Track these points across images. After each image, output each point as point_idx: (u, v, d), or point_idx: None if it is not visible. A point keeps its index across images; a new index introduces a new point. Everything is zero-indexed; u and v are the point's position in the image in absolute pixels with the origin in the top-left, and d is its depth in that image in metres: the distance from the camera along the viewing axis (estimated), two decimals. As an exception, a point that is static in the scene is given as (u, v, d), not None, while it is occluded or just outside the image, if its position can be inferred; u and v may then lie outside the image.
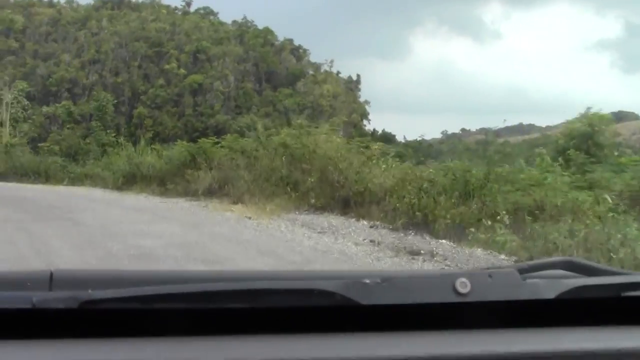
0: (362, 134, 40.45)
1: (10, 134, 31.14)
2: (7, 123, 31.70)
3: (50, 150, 31.35)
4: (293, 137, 13.23)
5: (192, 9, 64.09)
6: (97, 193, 16.77)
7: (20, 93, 35.10)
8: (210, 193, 13.91)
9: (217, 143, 15.57)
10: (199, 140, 16.61)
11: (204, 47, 55.56)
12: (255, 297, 0.91)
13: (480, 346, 0.91)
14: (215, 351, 0.87)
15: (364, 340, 0.91)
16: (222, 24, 62.29)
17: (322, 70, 60.64)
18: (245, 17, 62.20)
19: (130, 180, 17.11)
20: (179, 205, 13.01)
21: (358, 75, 59.44)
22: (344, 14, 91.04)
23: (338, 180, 11.87)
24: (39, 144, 33.51)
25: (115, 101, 44.08)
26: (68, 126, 40.63)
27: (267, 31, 60.82)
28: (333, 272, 1.43)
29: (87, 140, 33.32)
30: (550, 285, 0.98)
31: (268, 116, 51.48)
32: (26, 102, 36.14)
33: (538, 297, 0.97)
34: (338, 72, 61.11)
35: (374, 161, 12.38)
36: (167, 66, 53.16)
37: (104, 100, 40.87)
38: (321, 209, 11.61)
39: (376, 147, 12.84)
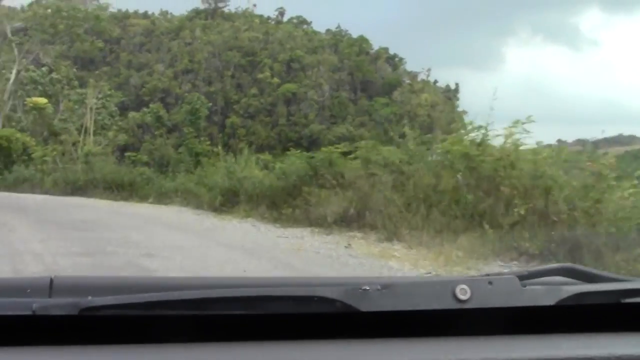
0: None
1: (94, 142, 27.66)
2: (91, 130, 28.46)
3: (138, 160, 28.48)
4: (472, 145, 8.82)
5: (285, 18, 62.29)
6: (189, 217, 13.01)
7: (108, 99, 31.94)
8: (344, 222, 9.83)
9: (348, 153, 11.28)
10: (290, 148, 13.76)
11: (298, 56, 53.06)
12: (255, 304, 0.91)
13: (480, 353, 0.91)
14: (216, 358, 0.87)
15: (364, 347, 0.91)
16: (315, 33, 59.99)
17: (418, 79, 57.01)
18: (339, 26, 59.55)
19: (230, 200, 13.18)
20: (307, 243, 8.82)
21: (457, 84, 56.51)
22: (434, 24, 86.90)
23: (561, 211, 7.44)
24: (126, 153, 30.46)
25: (210, 106, 41.68)
26: (158, 132, 37.32)
27: (362, 40, 58.00)
28: (333, 279, 1.35)
29: (180, 150, 30.54)
30: (550, 292, 0.98)
31: (363, 126, 48.46)
32: (114, 108, 32.81)
33: (538, 303, 0.96)
34: (435, 81, 57.30)
35: (608, 182, 7.82)
36: (260, 75, 51.27)
37: (197, 103, 38.19)
38: (538, 256, 7.17)
39: (610, 160, 8.19)
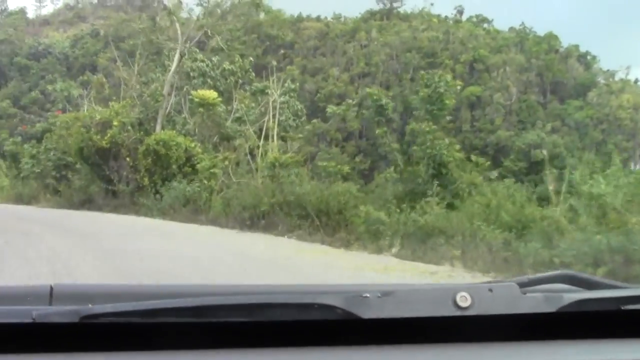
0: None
1: (279, 150, 18.80)
2: (275, 132, 19.57)
3: (338, 171, 19.09)
4: None
5: (464, 17, 57.82)
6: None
7: (292, 95, 22.92)
8: None
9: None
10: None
11: (482, 56, 48.63)
12: (256, 311, 0.92)
13: None
14: None
15: (365, 353, 0.91)
16: (498, 31, 54.97)
17: (616, 79, 49.81)
18: (523, 24, 54.06)
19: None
20: None
21: (663, 84, 47.31)
22: (630, 16, 76.44)
23: None
24: (320, 163, 22.45)
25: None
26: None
27: (550, 37, 51.99)
28: (334, 286, 1.37)
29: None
30: (551, 299, 0.98)
31: (555, 132, 42.88)
32: (299, 106, 23.82)
33: (538, 310, 0.96)
34: (636, 80, 49.86)
35: None
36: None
37: (379, 100, 32.82)
38: None
39: None
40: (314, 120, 40.98)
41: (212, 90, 20.58)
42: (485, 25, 56.98)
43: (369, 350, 0.92)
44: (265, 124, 19.76)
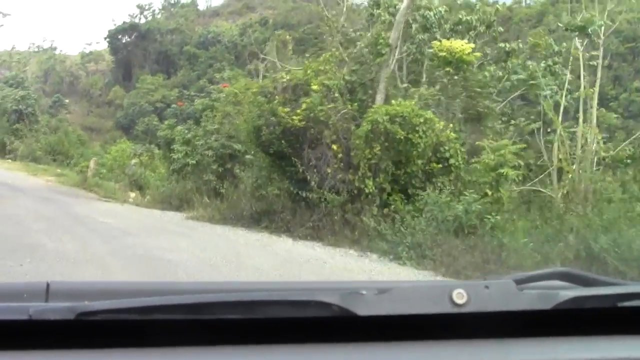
0: None
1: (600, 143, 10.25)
2: (594, 108, 11.01)
3: None
4: None
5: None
6: None
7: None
8: None
9: None
10: None
11: None
12: (253, 308, 0.91)
13: (477, 356, 0.91)
14: None
15: (361, 350, 0.91)
16: None
17: None
18: None
19: None
20: None
21: None
22: None
23: None
24: None
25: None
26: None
27: None
28: (330, 283, 1.46)
29: None
30: (547, 296, 0.98)
31: None
32: None
33: (535, 307, 0.97)
34: None
35: None
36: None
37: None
38: None
39: None
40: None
41: (464, 41, 12.34)
42: None
43: (365, 347, 0.92)
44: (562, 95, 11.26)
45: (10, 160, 27.60)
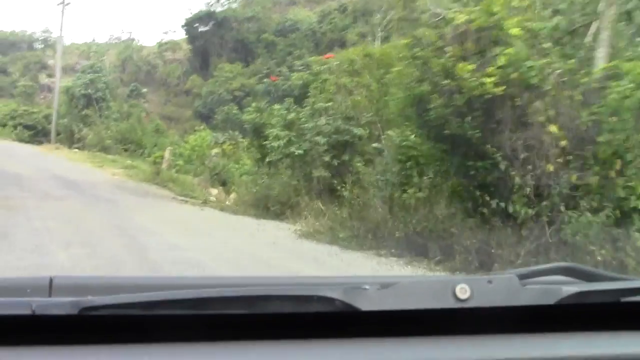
0: None
1: None
2: None
3: None
4: None
5: None
6: None
7: None
8: None
9: None
10: None
11: None
12: (255, 303, 0.91)
13: (480, 352, 0.90)
14: (215, 357, 0.87)
15: (364, 346, 0.91)
16: None
17: None
18: None
19: None
20: None
21: None
22: None
23: None
24: None
25: None
26: None
27: None
28: (332, 278, 1.41)
29: None
30: (550, 291, 0.97)
31: None
32: None
33: (537, 302, 0.96)
34: None
35: None
36: None
37: None
38: None
39: None
40: None
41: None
42: None
43: (368, 342, 0.91)
44: None
45: (77, 150, 24.42)
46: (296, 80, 14.45)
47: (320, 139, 10.53)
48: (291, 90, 16.15)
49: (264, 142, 12.16)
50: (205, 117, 37.37)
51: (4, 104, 33.43)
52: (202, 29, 46.60)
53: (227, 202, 13.72)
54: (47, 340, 0.85)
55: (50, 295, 0.95)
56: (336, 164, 10.64)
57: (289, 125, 11.31)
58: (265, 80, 24.15)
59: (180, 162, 18.99)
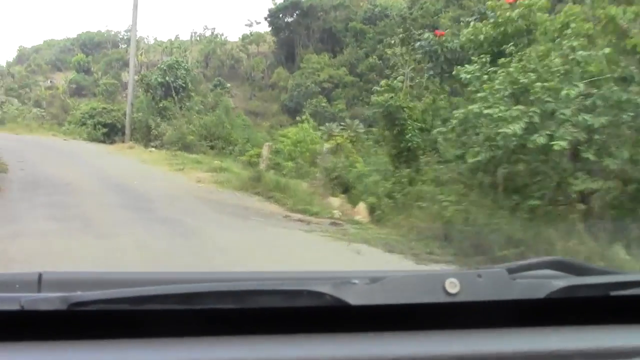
0: None
1: None
2: None
3: None
4: None
5: None
6: None
7: None
8: None
9: None
10: None
11: None
12: (245, 298, 0.91)
13: (470, 346, 0.90)
14: (205, 352, 0.86)
15: (354, 340, 0.91)
16: None
17: None
18: None
19: None
20: None
21: None
22: None
23: None
24: None
25: None
26: None
27: None
28: (322, 273, 1.33)
29: None
30: (540, 285, 0.97)
31: None
32: None
33: (527, 296, 0.96)
34: None
35: None
36: None
37: None
38: None
39: None
40: None
41: None
42: None
43: (357, 337, 0.91)
44: None
45: (153, 149, 19.89)
46: (466, 36, 9.38)
47: (591, 119, 5.63)
48: (456, 50, 10.91)
49: (404, 132, 7.46)
50: (293, 111, 35.45)
51: (85, 103, 30.92)
52: (286, 19, 45.03)
53: (358, 217, 9.23)
54: (36, 335, 0.85)
55: (39, 291, 0.94)
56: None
57: (518, 96, 6.30)
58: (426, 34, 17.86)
59: (281, 160, 14.60)
